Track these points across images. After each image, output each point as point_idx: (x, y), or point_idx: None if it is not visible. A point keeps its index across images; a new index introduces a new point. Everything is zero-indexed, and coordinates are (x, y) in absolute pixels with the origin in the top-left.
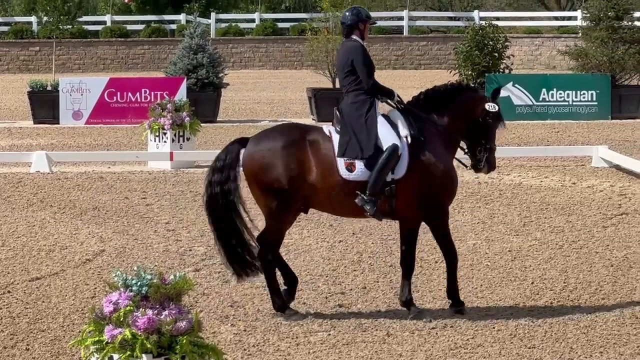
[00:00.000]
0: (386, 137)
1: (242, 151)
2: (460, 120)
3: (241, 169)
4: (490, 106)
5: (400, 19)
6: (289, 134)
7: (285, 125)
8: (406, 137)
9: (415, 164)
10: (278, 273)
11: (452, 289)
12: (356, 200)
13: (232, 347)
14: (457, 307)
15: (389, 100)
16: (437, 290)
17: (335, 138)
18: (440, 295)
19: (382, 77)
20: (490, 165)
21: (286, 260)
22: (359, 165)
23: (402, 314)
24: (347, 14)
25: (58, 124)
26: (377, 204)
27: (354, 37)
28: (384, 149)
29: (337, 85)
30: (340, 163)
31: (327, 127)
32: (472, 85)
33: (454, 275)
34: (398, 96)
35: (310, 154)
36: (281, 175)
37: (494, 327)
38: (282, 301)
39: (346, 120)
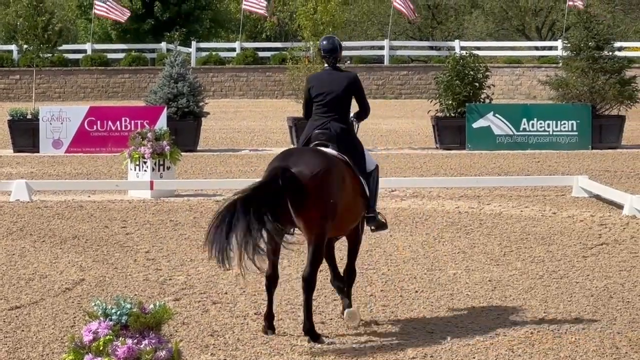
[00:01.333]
0: (368, 157)
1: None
2: None
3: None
4: None
5: (381, 48)
6: (324, 154)
7: (307, 148)
8: None
9: None
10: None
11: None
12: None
13: None
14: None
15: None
16: (418, 320)
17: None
18: (420, 325)
19: None
20: None
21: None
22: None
23: (383, 345)
24: (327, 42)
25: (38, 152)
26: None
27: (338, 65)
28: (371, 168)
29: None
30: None
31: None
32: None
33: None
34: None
35: (345, 173)
36: (337, 192)
37: (474, 357)
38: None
39: (340, 142)
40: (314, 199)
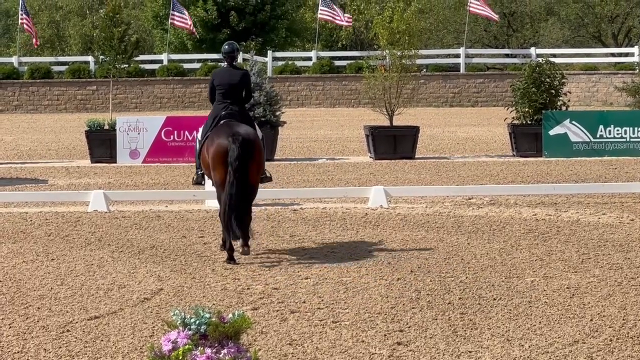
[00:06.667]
0: (257, 129)
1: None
2: None
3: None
4: None
5: (457, 56)
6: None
7: (236, 123)
8: None
9: None
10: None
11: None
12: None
13: None
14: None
15: None
16: (496, 328)
17: None
18: (498, 333)
19: (440, 114)
20: None
21: (345, 298)
22: None
23: (461, 352)
24: (228, 47)
25: (115, 162)
26: None
27: (234, 63)
28: (260, 136)
29: (394, 123)
30: None
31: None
32: None
33: None
34: None
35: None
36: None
37: None
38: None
39: (241, 118)
40: (260, 153)
